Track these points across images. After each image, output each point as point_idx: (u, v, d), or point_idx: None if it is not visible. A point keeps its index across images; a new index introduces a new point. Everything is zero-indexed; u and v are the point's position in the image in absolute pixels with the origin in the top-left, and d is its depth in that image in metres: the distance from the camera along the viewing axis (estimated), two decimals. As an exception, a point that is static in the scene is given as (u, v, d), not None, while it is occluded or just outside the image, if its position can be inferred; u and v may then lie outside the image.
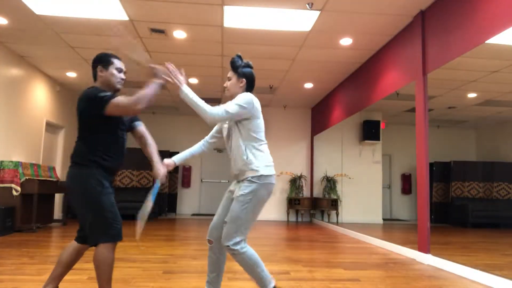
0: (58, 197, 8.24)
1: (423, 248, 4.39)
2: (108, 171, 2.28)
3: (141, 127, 2.55)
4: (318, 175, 9.38)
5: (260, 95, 8.80)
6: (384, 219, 7.84)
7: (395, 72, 5.34)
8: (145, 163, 9.31)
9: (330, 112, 8.38)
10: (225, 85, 2.54)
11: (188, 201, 10.79)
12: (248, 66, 2.51)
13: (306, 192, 9.83)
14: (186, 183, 10.77)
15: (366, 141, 7.82)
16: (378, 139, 7.79)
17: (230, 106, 2.30)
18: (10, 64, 6.30)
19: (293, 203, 9.32)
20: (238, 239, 2.26)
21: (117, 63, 2.39)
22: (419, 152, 4.55)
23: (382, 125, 7.74)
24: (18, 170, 5.95)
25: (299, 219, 9.77)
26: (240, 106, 2.30)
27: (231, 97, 2.48)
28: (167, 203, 10.00)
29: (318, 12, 4.74)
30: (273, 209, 9.80)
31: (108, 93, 2.22)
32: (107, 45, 5.93)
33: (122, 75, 2.39)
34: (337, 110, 7.86)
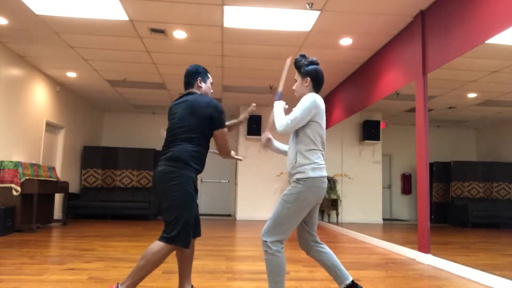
0: (58, 197, 8.24)
1: (423, 248, 4.39)
2: (197, 177, 2.50)
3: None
4: (318, 175, 9.37)
5: (260, 95, 8.80)
6: (384, 219, 7.84)
7: (395, 72, 5.34)
8: (145, 163, 9.32)
9: (330, 112, 8.38)
10: (293, 87, 2.49)
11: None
12: (313, 63, 2.41)
13: (306, 192, 9.82)
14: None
15: (366, 141, 7.82)
16: (378, 139, 7.79)
17: (292, 114, 2.28)
18: (10, 64, 6.30)
19: (293, 203, 9.31)
20: (276, 238, 2.21)
21: (211, 79, 2.69)
22: (419, 152, 4.55)
23: (382, 125, 7.73)
24: (18, 170, 5.95)
25: (299, 219, 9.76)
26: (301, 110, 2.27)
27: (300, 98, 2.44)
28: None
29: (318, 12, 4.74)
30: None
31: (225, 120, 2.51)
32: (108, 45, 5.94)
33: (212, 90, 2.70)
34: (337, 110, 7.86)
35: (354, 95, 6.92)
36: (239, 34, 5.43)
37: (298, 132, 2.33)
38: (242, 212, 9.70)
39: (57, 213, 8.19)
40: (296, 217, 2.25)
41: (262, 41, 5.66)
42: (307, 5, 4.53)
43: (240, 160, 2.75)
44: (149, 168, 9.36)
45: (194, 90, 2.57)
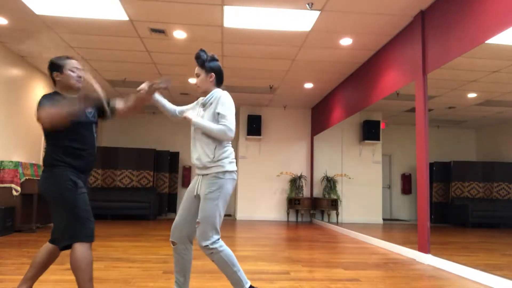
0: (58, 197, 8.23)
1: (423, 248, 4.39)
2: (80, 170, 2.27)
3: (117, 105, 2.50)
4: (318, 175, 9.38)
5: (260, 95, 8.79)
6: (384, 219, 7.84)
7: (395, 72, 5.34)
8: (145, 163, 9.31)
9: (330, 112, 8.38)
10: (195, 82, 2.51)
11: (188, 201, 10.80)
12: (214, 59, 2.46)
13: (306, 192, 9.83)
14: (186, 183, 10.76)
15: (366, 141, 7.82)
16: (378, 139, 7.78)
17: (225, 117, 2.31)
18: (10, 64, 6.30)
19: (293, 203, 9.32)
20: (215, 237, 2.26)
21: (70, 63, 2.37)
22: (419, 152, 4.55)
23: (382, 125, 7.73)
24: (18, 170, 5.95)
25: (299, 219, 9.76)
26: (230, 110, 2.35)
27: (204, 93, 2.46)
28: (167, 203, 9.99)
29: (318, 12, 4.73)
30: (273, 209, 9.80)
31: (48, 101, 2.18)
32: (108, 45, 5.93)
33: (79, 72, 2.38)
34: (337, 110, 7.86)
35: (354, 95, 6.92)
36: (239, 34, 5.43)
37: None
38: (242, 212, 9.70)
39: (57, 213, 8.19)
40: (223, 211, 2.34)
41: (262, 41, 5.66)
42: (307, 5, 4.53)
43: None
44: (149, 168, 9.35)
45: (56, 89, 2.38)
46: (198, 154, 2.37)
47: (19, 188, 5.90)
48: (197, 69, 2.45)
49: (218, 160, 2.32)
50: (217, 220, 2.28)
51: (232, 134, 2.33)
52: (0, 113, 6.08)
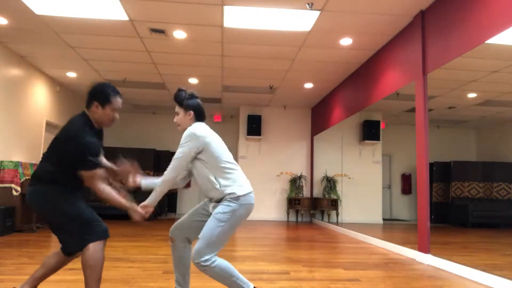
0: (58, 197, 8.24)
1: (423, 248, 4.39)
2: (76, 188, 2.25)
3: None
4: (318, 175, 9.38)
5: (260, 95, 8.80)
6: (384, 219, 7.83)
7: (395, 72, 5.34)
8: (145, 163, 9.31)
9: (330, 112, 8.38)
10: (174, 120, 2.45)
11: (188, 201, 10.79)
12: (193, 96, 2.43)
13: (306, 192, 9.83)
14: (186, 183, 10.77)
15: (366, 141, 7.82)
16: (378, 139, 7.78)
17: (176, 154, 2.28)
18: (10, 64, 6.30)
19: (293, 203, 9.31)
20: (207, 256, 2.19)
21: (116, 103, 2.27)
22: (419, 152, 4.55)
23: (382, 125, 7.73)
24: (18, 170, 5.95)
25: (299, 219, 9.76)
26: (183, 146, 2.26)
27: (184, 131, 2.41)
28: (167, 203, 10.00)
29: (318, 12, 4.73)
30: (273, 209, 9.80)
31: (95, 161, 2.15)
32: (108, 45, 5.93)
33: (116, 115, 2.31)
34: (337, 110, 7.86)
35: (354, 95, 6.92)
36: (239, 34, 5.43)
37: (201, 162, 2.30)
38: (242, 212, 9.70)
39: (57, 213, 8.19)
40: (228, 235, 2.27)
41: (262, 41, 5.66)
42: (307, 5, 4.53)
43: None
44: (149, 168, 9.35)
45: (87, 112, 2.27)
46: (206, 191, 2.34)
47: (19, 188, 5.90)
48: (176, 108, 2.43)
49: (227, 186, 2.27)
50: (216, 241, 2.21)
51: (168, 177, 2.25)
52: (0, 113, 6.08)
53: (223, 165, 2.30)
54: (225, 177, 2.29)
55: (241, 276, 2.27)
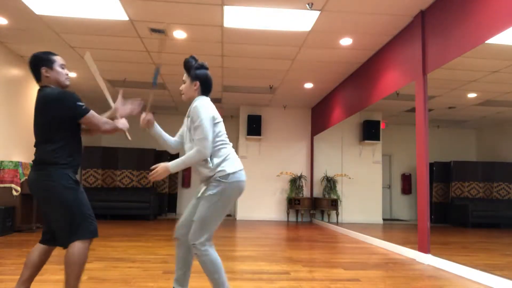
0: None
1: (423, 248, 4.39)
2: (76, 169, 2.28)
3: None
4: (318, 175, 9.38)
5: (260, 95, 8.80)
6: (384, 219, 7.83)
7: (395, 72, 5.34)
8: (145, 163, 9.31)
9: (330, 112, 8.38)
10: (180, 88, 2.42)
11: (188, 201, 10.79)
12: (203, 67, 2.38)
13: (306, 192, 9.83)
14: (186, 183, 10.78)
15: (366, 141, 7.82)
16: (378, 139, 7.78)
17: (200, 131, 2.21)
18: (10, 64, 6.30)
19: (293, 203, 9.32)
20: (203, 238, 2.23)
21: (59, 59, 2.37)
22: (419, 152, 4.55)
23: (382, 125, 7.73)
24: (18, 170, 5.95)
25: (299, 219, 9.76)
26: (204, 121, 2.22)
27: (188, 101, 2.40)
28: (167, 203, 10.00)
29: (318, 12, 4.73)
30: (273, 209, 9.80)
31: (84, 104, 2.25)
32: (108, 45, 5.94)
33: (66, 71, 2.38)
34: (337, 110, 7.86)
35: (354, 95, 6.92)
36: (239, 34, 5.43)
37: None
38: (242, 212, 9.70)
39: (57, 213, 8.19)
40: (221, 215, 2.29)
41: (262, 41, 5.66)
42: (307, 5, 4.53)
43: (129, 139, 2.63)
44: (149, 168, 9.36)
45: (43, 83, 2.31)
46: (198, 171, 2.34)
47: (19, 188, 5.90)
48: (184, 75, 2.40)
49: (218, 166, 2.27)
50: (210, 222, 2.24)
51: (207, 151, 2.21)
52: (0, 113, 6.08)
53: (218, 138, 2.30)
54: (218, 155, 2.28)
55: (224, 279, 2.26)
